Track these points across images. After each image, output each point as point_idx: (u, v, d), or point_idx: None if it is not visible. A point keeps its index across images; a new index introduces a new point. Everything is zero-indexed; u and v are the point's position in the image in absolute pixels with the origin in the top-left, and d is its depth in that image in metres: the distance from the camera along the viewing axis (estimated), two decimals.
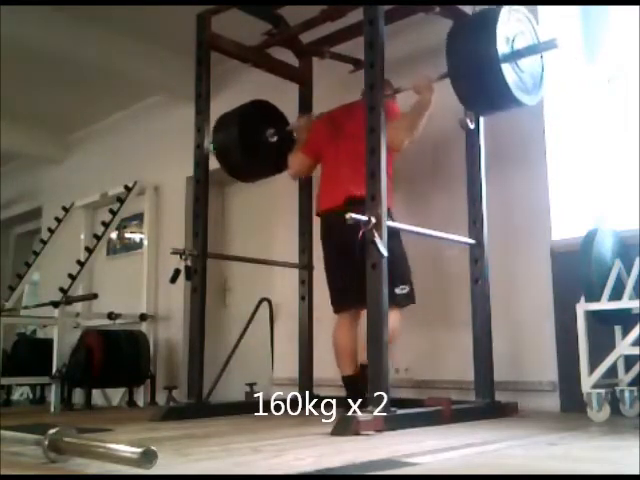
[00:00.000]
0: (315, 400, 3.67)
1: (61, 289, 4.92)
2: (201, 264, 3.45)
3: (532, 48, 2.87)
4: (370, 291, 2.66)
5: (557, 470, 1.62)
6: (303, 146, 3.59)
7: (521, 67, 2.84)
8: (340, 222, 3.08)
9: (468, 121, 3.18)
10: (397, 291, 3.07)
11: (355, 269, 3.17)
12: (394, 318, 2.95)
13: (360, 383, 2.97)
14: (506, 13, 2.81)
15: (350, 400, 3.18)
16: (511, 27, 2.82)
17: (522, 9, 2.93)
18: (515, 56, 2.79)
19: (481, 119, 3.24)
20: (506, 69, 2.74)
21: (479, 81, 2.79)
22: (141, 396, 5.22)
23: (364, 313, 2.92)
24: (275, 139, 3.84)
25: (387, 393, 2.57)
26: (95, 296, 5.07)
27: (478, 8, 3.08)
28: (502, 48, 2.73)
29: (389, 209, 3.09)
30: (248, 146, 3.75)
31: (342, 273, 3.32)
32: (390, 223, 2.73)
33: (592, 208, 3.47)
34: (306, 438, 2.37)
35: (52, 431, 1.74)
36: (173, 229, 5.49)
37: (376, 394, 2.54)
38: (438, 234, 3.04)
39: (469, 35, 2.84)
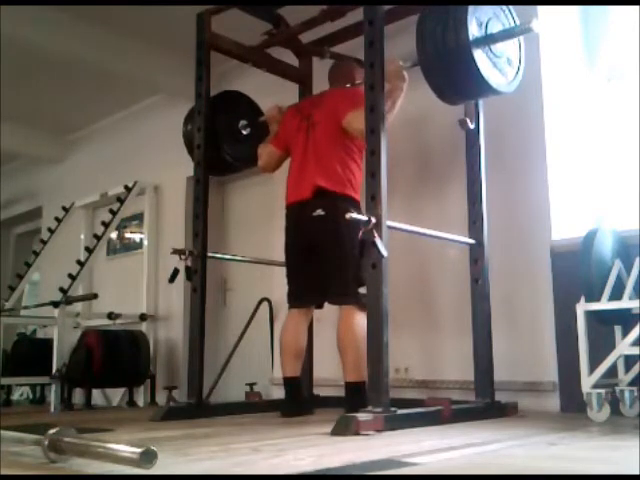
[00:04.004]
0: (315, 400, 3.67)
1: (61, 289, 4.92)
2: (201, 264, 3.46)
3: (507, 32, 2.77)
4: (370, 291, 2.66)
5: (557, 470, 1.62)
6: (272, 138, 3.54)
7: (495, 52, 2.73)
8: (307, 214, 3.12)
9: (468, 121, 3.18)
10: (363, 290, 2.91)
11: (317, 266, 3.21)
12: (363, 321, 2.79)
13: (349, 400, 2.97)
14: None
15: (287, 404, 3.25)
16: (484, 10, 2.72)
17: None
18: (488, 40, 2.69)
19: (481, 119, 3.24)
20: (478, 55, 2.63)
21: (450, 68, 2.70)
22: (141, 396, 5.22)
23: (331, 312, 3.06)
24: (248, 131, 3.77)
25: (387, 393, 2.57)
26: (95, 296, 5.07)
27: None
28: (474, 32, 2.62)
29: (358, 202, 3.13)
30: (219, 139, 3.67)
31: (304, 270, 3.28)
32: (390, 223, 2.72)
33: (592, 208, 3.47)
34: (306, 438, 2.37)
35: (52, 431, 1.74)
36: (173, 229, 5.49)
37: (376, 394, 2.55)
38: (438, 234, 3.04)
39: (438, 19, 2.70)
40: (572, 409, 3.05)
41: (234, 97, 3.91)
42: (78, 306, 5.73)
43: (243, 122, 3.79)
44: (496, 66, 2.75)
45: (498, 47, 2.75)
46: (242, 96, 3.94)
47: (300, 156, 3.31)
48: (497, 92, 2.78)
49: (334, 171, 3.15)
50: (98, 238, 5.44)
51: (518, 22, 2.84)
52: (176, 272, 3.53)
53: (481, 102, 3.23)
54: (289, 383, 3.28)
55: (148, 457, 1.47)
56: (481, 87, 2.75)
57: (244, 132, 3.79)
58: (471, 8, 2.65)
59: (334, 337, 3.34)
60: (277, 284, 4.57)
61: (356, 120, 2.94)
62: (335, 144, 3.17)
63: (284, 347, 3.31)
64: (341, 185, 3.13)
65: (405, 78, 3.03)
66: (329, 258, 3.16)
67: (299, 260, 3.31)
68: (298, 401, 3.29)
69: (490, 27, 2.72)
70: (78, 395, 5.28)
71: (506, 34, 2.78)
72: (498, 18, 2.79)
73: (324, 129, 3.23)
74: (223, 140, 3.70)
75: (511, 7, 2.86)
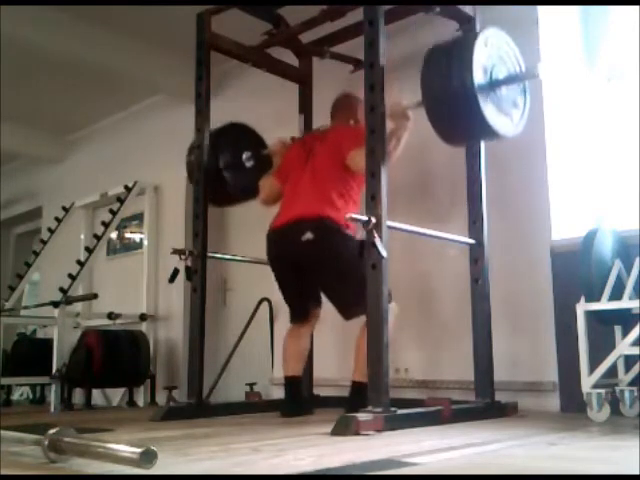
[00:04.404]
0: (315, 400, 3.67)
1: (61, 289, 4.92)
2: (201, 264, 3.46)
3: (512, 77, 2.80)
4: (370, 291, 2.66)
5: (557, 470, 1.62)
6: (274, 171, 3.52)
7: (500, 96, 2.74)
8: (295, 239, 3.07)
9: None
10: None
11: (312, 283, 3.23)
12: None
13: (351, 399, 2.97)
14: (483, 40, 2.72)
15: (287, 404, 3.26)
16: (489, 54, 2.73)
17: (503, 34, 2.85)
18: (493, 85, 2.71)
19: None
20: (483, 100, 2.64)
21: (454, 113, 2.71)
22: (141, 396, 5.22)
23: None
24: (251, 163, 3.76)
25: (387, 393, 2.57)
26: (95, 296, 5.07)
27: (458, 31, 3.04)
28: (479, 78, 2.63)
29: (351, 230, 3.06)
30: (222, 170, 3.66)
31: (298, 290, 3.30)
32: (390, 223, 2.72)
33: (592, 208, 3.47)
34: (306, 438, 2.37)
35: (52, 431, 1.74)
36: (173, 229, 5.49)
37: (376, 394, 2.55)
38: (438, 234, 3.04)
39: (444, 63, 2.72)
40: (572, 409, 3.05)
41: (239, 129, 3.91)
42: (78, 306, 5.73)
43: (247, 154, 3.76)
44: (501, 110, 2.75)
45: (503, 91, 2.76)
46: (247, 128, 3.94)
47: (296, 182, 3.28)
48: (501, 136, 2.79)
49: (329, 199, 3.09)
50: (98, 238, 5.44)
51: (523, 65, 2.86)
52: (176, 272, 3.53)
53: None
54: (290, 382, 3.28)
55: (148, 457, 1.47)
56: (486, 132, 2.78)
57: (247, 164, 3.76)
58: (476, 53, 2.65)
59: (334, 337, 3.35)
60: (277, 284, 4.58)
61: (360, 158, 2.87)
62: (334, 176, 3.14)
63: (286, 348, 3.34)
64: (335, 212, 3.06)
65: (410, 117, 3.01)
66: (328, 278, 3.16)
67: (292, 282, 3.30)
68: (298, 401, 3.29)
69: (495, 72, 2.73)
70: (78, 395, 5.28)
71: (511, 79, 2.79)
72: (503, 62, 2.80)
73: (325, 160, 3.21)
74: (226, 171, 3.68)
75: (517, 50, 2.87)
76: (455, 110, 2.70)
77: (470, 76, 2.60)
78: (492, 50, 2.76)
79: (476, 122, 2.70)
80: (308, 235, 3.04)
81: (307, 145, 3.42)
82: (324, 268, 3.12)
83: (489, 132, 2.75)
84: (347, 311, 3.11)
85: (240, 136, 3.85)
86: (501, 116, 2.75)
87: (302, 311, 3.33)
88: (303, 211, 3.11)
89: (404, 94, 3.02)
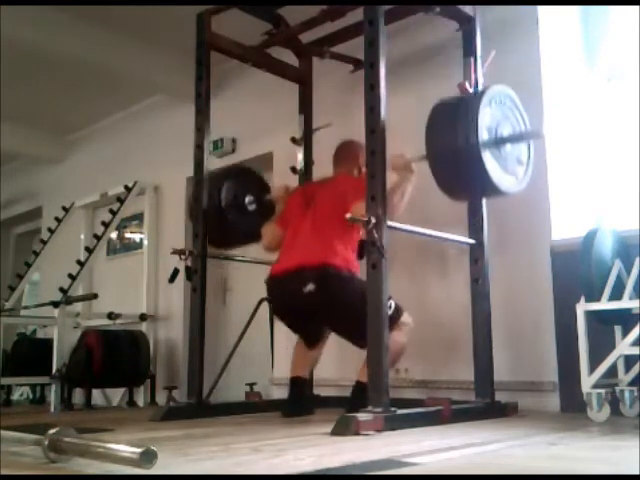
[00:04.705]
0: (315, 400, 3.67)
1: (61, 289, 4.92)
2: (201, 264, 3.46)
3: (516, 136, 2.83)
4: (370, 292, 2.66)
5: (557, 470, 1.62)
6: (277, 217, 3.50)
7: (505, 154, 2.76)
8: (296, 290, 3.04)
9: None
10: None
11: (313, 324, 3.26)
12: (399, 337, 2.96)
13: (353, 399, 2.97)
14: (488, 100, 2.73)
15: (289, 404, 3.29)
16: (493, 114, 2.75)
17: (508, 90, 2.87)
18: (497, 143, 2.73)
19: None
20: (487, 159, 2.66)
21: (458, 170, 2.72)
22: (141, 396, 5.22)
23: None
24: (254, 207, 3.75)
25: (387, 393, 2.57)
26: (95, 296, 5.07)
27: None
28: (483, 137, 2.65)
29: (353, 270, 3.07)
30: (224, 213, 3.65)
31: (302, 329, 3.34)
32: (390, 223, 2.72)
33: (592, 208, 3.47)
34: (306, 438, 2.37)
35: (52, 431, 1.74)
36: (173, 229, 5.49)
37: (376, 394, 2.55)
38: (438, 234, 3.04)
39: (449, 121, 2.74)
40: (572, 409, 3.05)
41: (243, 172, 3.91)
42: (78, 306, 5.73)
43: (250, 198, 3.75)
44: (505, 168, 2.77)
45: (507, 149, 2.78)
46: (251, 171, 3.94)
47: (297, 230, 3.27)
48: (505, 193, 2.81)
49: (330, 246, 3.08)
50: (98, 238, 5.44)
51: (527, 121, 2.89)
52: (176, 272, 3.53)
53: None
54: (294, 383, 3.30)
55: (148, 457, 1.47)
56: (490, 190, 2.80)
57: (250, 208, 3.75)
58: (482, 111, 2.67)
59: (335, 338, 3.34)
60: None
61: (363, 210, 2.84)
62: (336, 224, 3.11)
63: (297, 351, 3.39)
64: (336, 258, 3.05)
65: (414, 170, 3.01)
66: (334, 322, 3.19)
67: (297, 326, 3.34)
68: (301, 402, 3.29)
69: (500, 130, 2.75)
70: (78, 395, 5.28)
71: (516, 138, 2.82)
72: (507, 119, 2.81)
73: (327, 209, 3.20)
74: (228, 214, 3.67)
75: (522, 107, 2.89)
76: (459, 168, 2.72)
77: (475, 136, 2.63)
78: (496, 109, 2.78)
79: (480, 180, 2.73)
80: (310, 287, 3.01)
81: (310, 193, 3.41)
82: (329, 315, 3.14)
83: (493, 190, 2.78)
84: (358, 343, 3.07)
85: (244, 179, 3.84)
86: (505, 174, 2.77)
87: (310, 340, 3.38)
88: (304, 259, 3.09)
89: (408, 148, 3.03)
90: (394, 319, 2.89)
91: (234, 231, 3.71)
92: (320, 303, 3.03)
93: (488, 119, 2.73)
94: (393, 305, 2.83)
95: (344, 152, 3.48)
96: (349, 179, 3.30)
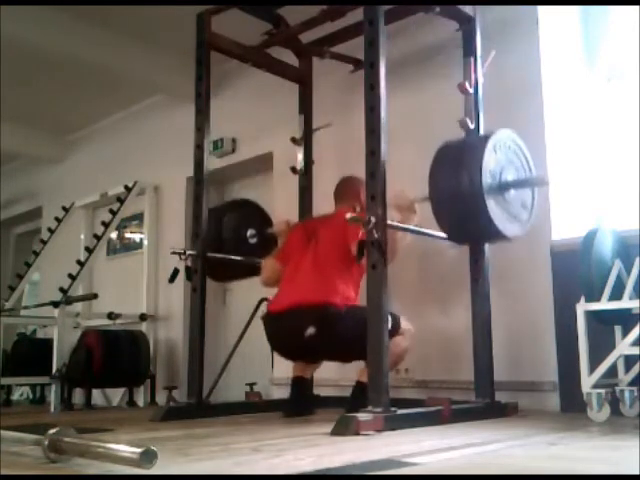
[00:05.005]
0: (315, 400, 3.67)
1: (61, 289, 4.92)
2: (201, 264, 3.46)
3: (521, 182, 2.83)
4: (370, 292, 2.66)
5: (557, 470, 1.62)
6: (277, 252, 3.50)
7: (509, 199, 2.76)
8: (297, 332, 3.03)
9: (468, 121, 3.18)
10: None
11: (311, 356, 3.29)
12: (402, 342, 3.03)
13: (353, 399, 2.99)
14: (493, 145, 2.73)
15: (290, 404, 3.31)
16: (498, 159, 2.75)
17: (511, 134, 2.87)
18: (502, 189, 2.73)
19: (481, 119, 3.24)
20: (491, 204, 2.66)
21: (461, 214, 2.73)
22: (141, 396, 5.22)
23: None
24: (255, 241, 3.75)
25: (387, 393, 2.57)
26: (95, 296, 5.07)
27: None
28: (487, 183, 2.65)
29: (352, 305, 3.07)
30: (225, 245, 3.66)
31: (299, 360, 3.36)
32: (390, 222, 2.73)
33: (592, 208, 3.47)
34: (306, 438, 2.37)
35: (52, 431, 1.74)
36: (173, 229, 5.49)
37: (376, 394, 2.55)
38: (438, 234, 3.04)
39: (453, 166, 2.74)
40: (572, 409, 3.04)
41: (245, 205, 3.93)
42: (78, 306, 5.73)
43: (251, 231, 3.76)
44: (508, 213, 2.77)
45: (511, 194, 2.78)
46: (253, 205, 3.96)
47: (296, 266, 3.26)
48: (508, 239, 2.81)
49: (330, 284, 3.07)
50: (98, 238, 5.44)
51: (532, 167, 2.89)
52: (176, 272, 3.53)
53: (481, 102, 3.23)
54: (296, 383, 3.30)
55: (148, 457, 1.47)
56: (493, 234, 2.80)
57: (251, 241, 3.76)
58: (486, 157, 2.67)
59: None
60: None
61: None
62: (336, 262, 3.12)
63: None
64: (336, 296, 3.04)
65: (416, 211, 3.03)
66: (333, 357, 3.25)
67: (294, 359, 3.36)
68: (302, 402, 3.30)
69: (504, 175, 2.75)
70: (78, 395, 5.28)
71: (520, 184, 2.82)
72: (512, 164, 2.82)
73: (327, 246, 3.20)
74: (229, 247, 3.67)
75: (527, 152, 2.90)
76: (462, 212, 2.72)
77: (478, 181, 2.63)
78: (501, 154, 2.78)
79: (483, 226, 2.73)
80: (311, 330, 2.99)
81: (310, 229, 3.41)
82: (330, 352, 3.16)
83: (496, 235, 2.78)
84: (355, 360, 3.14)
85: (247, 212, 3.86)
86: (509, 219, 2.77)
87: (309, 363, 3.42)
88: (303, 297, 3.06)
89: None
90: (394, 330, 2.92)
91: (234, 265, 3.71)
92: (321, 344, 3.04)
93: (493, 163, 2.72)
94: (390, 320, 2.80)
95: (345, 188, 3.46)
96: None
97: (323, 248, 3.22)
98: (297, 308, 3.05)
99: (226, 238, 3.69)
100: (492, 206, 2.68)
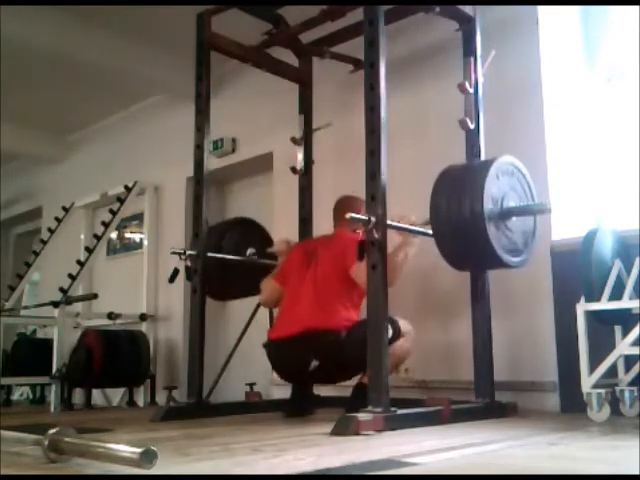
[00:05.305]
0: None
1: (61, 289, 4.92)
2: (201, 264, 3.45)
3: (522, 209, 2.83)
4: (370, 292, 2.66)
5: (557, 470, 1.62)
6: (276, 273, 3.48)
7: (510, 226, 2.76)
8: (300, 364, 3.06)
9: (468, 121, 3.18)
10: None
11: (316, 379, 3.30)
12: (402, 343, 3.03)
13: (354, 399, 2.98)
14: (495, 172, 2.73)
15: (291, 404, 3.33)
16: (500, 186, 2.75)
17: (513, 161, 2.86)
18: (503, 216, 2.73)
19: (481, 119, 3.23)
20: (492, 231, 2.66)
21: (462, 241, 2.72)
22: (141, 396, 5.22)
23: None
24: (255, 259, 3.76)
25: (387, 393, 2.57)
26: (95, 296, 5.07)
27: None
28: (488, 209, 2.65)
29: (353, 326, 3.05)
30: (225, 265, 3.66)
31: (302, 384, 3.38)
32: (390, 222, 2.73)
33: (592, 208, 3.47)
34: (306, 438, 2.37)
35: (52, 431, 1.74)
36: (173, 229, 5.49)
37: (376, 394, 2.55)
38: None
39: (453, 194, 2.74)
40: (572, 409, 3.04)
41: (246, 224, 3.94)
42: (78, 306, 5.72)
43: (251, 250, 3.77)
44: (510, 241, 2.77)
45: (513, 222, 2.78)
46: (255, 224, 3.97)
47: (296, 288, 3.25)
48: (509, 266, 2.82)
49: (332, 308, 3.07)
50: (98, 238, 5.44)
51: (535, 194, 2.89)
52: (176, 272, 3.53)
53: (481, 101, 3.23)
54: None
55: (148, 457, 1.47)
56: (494, 262, 2.80)
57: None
58: (488, 184, 2.67)
59: None
60: None
61: (363, 272, 2.80)
62: (336, 285, 3.11)
63: None
64: (337, 320, 3.04)
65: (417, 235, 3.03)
66: (340, 377, 3.24)
67: (304, 384, 3.39)
68: (302, 401, 3.30)
69: (506, 202, 2.75)
70: (78, 395, 5.27)
71: (521, 211, 2.82)
72: (514, 191, 2.82)
73: (327, 268, 3.18)
74: (229, 266, 3.67)
75: (528, 177, 2.89)
76: (463, 239, 2.72)
77: (480, 208, 2.63)
78: (503, 181, 2.78)
79: (484, 254, 2.74)
80: (314, 363, 3.01)
81: (310, 249, 3.39)
82: (333, 376, 3.19)
83: (497, 262, 2.78)
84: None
85: (247, 231, 3.86)
86: (510, 246, 2.77)
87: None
88: (304, 325, 3.04)
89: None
90: (395, 336, 2.93)
91: (234, 284, 3.71)
92: (324, 372, 3.06)
93: (494, 190, 2.72)
94: (390, 328, 2.81)
95: (343, 208, 3.39)
96: (349, 238, 3.22)
97: (323, 271, 3.20)
98: (298, 336, 3.05)
99: (226, 257, 3.69)
100: (493, 232, 2.67)
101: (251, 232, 3.89)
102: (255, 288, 3.56)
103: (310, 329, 3.02)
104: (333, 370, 3.07)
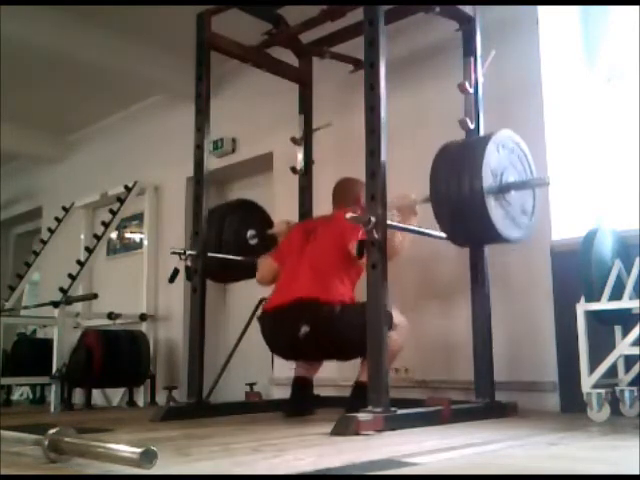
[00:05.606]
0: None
1: (61, 289, 4.92)
2: (201, 264, 3.46)
3: (522, 184, 2.84)
4: (370, 291, 2.66)
5: (557, 470, 1.62)
6: (274, 251, 3.49)
7: (509, 200, 2.77)
8: (292, 332, 3.02)
9: (468, 121, 3.18)
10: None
11: (309, 356, 3.26)
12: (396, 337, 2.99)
13: (353, 399, 2.98)
14: (495, 145, 2.74)
15: (291, 404, 3.31)
16: (499, 159, 2.75)
17: (513, 136, 2.87)
18: (502, 190, 2.74)
19: (481, 119, 3.24)
20: (491, 204, 2.66)
21: (462, 215, 2.73)
22: (141, 396, 5.22)
23: None
24: (255, 241, 3.75)
25: (387, 393, 2.57)
26: (95, 296, 5.07)
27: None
28: (488, 182, 2.66)
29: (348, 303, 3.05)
30: (225, 246, 3.66)
31: (297, 360, 3.35)
32: (390, 222, 2.73)
33: (592, 208, 3.47)
34: (306, 438, 2.37)
35: (52, 431, 1.74)
36: (173, 229, 5.49)
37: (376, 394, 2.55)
38: (438, 234, 3.04)
39: (453, 167, 2.75)
40: (572, 409, 3.04)
41: (246, 206, 3.92)
42: (78, 306, 5.73)
43: (252, 232, 3.76)
44: (509, 215, 2.77)
45: (512, 196, 2.78)
46: (255, 205, 3.95)
47: (293, 265, 3.25)
48: (508, 240, 2.82)
49: (328, 281, 3.07)
50: (98, 238, 5.44)
51: (534, 170, 2.90)
52: (176, 272, 3.53)
53: (481, 101, 3.24)
54: (298, 383, 3.31)
55: (148, 457, 1.47)
56: (493, 236, 2.80)
57: (251, 242, 3.75)
58: (487, 157, 2.67)
59: None
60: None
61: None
62: (334, 260, 3.11)
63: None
64: (332, 291, 3.04)
65: (417, 213, 3.05)
66: (330, 355, 3.22)
67: (292, 358, 3.35)
68: (302, 401, 3.29)
69: (505, 176, 2.76)
70: (78, 395, 5.28)
71: (521, 185, 2.82)
72: (514, 166, 2.82)
73: (326, 245, 3.19)
74: (229, 248, 3.67)
75: (528, 153, 2.90)
76: (462, 213, 2.73)
77: (479, 181, 2.63)
78: (503, 154, 2.78)
79: (484, 227, 2.73)
80: (305, 329, 2.98)
81: (309, 229, 3.40)
82: (326, 350, 3.13)
83: (497, 237, 2.78)
84: (351, 358, 3.19)
85: (247, 213, 3.85)
86: (508, 221, 2.77)
87: (307, 363, 3.38)
88: (299, 293, 3.06)
89: (411, 189, 3.04)
90: (388, 328, 2.88)
91: (234, 266, 3.70)
92: (316, 343, 3.03)
93: (493, 163, 2.72)
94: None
95: (344, 191, 3.45)
96: None
97: (321, 247, 3.22)
98: (292, 305, 3.06)
99: (226, 239, 3.69)
100: (492, 206, 2.68)
101: (251, 214, 3.89)
102: (255, 269, 3.56)
103: (304, 298, 3.03)
104: (325, 343, 3.02)
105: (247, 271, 3.71)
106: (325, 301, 3.00)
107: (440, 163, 2.81)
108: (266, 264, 3.46)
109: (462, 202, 2.70)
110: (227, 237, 3.69)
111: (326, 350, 3.13)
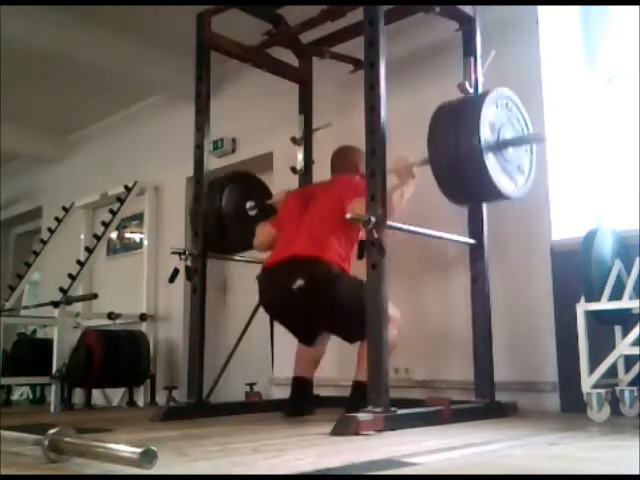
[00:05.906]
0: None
1: (61, 289, 4.92)
2: (201, 264, 3.46)
3: (519, 139, 2.84)
4: (369, 291, 2.66)
5: (557, 470, 1.62)
6: (273, 218, 3.49)
7: (507, 157, 2.77)
8: (285, 286, 3.00)
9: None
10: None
11: (305, 323, 3.21)
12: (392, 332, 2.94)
13: (353, 399, 2.97)
14: (493, 100, 2.75)
15: (291, 404, 3.29)
16: (497, 115, 2.76)
17: (511, 95, 2.88)
18: (500, 146, 2.75)
19: None
20: (489, 160, 2.67)
21: (461, 172, 2.73)
22: (141, 396, 5.22)
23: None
24: (255, 213, 3.73)
25: (387, 393, 2.57)
26: (95, 296, 5.07)
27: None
28: (486, 138, 2.66)
29: (344, 269, 3.04)
30: (224, 218, 3.64)
31: (294, 329, 3.29)
32: (390, 222, 2.72)
33: (592, 208, 3.47)
34: (306, 438, 2.37)
35: (52, 431, 1.74)
36: (173, 229, 5.49)
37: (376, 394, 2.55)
38: (438, 234, 3.04)
39: (451, 122, 2.76)
40: (572, 409, 3.04)
41: (245, 177, 3.91)
42: (78, 306, 5.73)
43: (251, 203, 3.73)
44: (506, 172, 2.78)
45: (509, 153, 2.79)
46: (253, 177, 3.94)
47: (291, 228, 3.24)
48: (506, 198, 2.83)
49: (324, 241, 3.06)
50: (98, 238, 5.44)
51: (531, 129, 2.91)
52: (176, 272, 3.53)
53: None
54: (297, 383, 3.31)
55: (148, 457, 1.47)
56: (491, 192, 2.81)
57: (251, 213, 3.73)
58: (484, 113, 2.68)
59: (334, 338, 3.34)
60: None
61: (359, 207, 2.81)
62: (332, 223, 3.10)
63: (297, 350, 3.38)
64: (328, 252, 3.03)
65: (414, 175, 3.05)
66: (326, 320, 3.15)
67: (288, 325, 3.29)
68: (302, 401, 3.29)
69: (503, 133, 2.77)
70: (78, 395, 5.28)
71: (518, 141, 2.83)
72: (511, 124, 2.83)
73: (324, 207, 3.19)
74: (228, 220, 3.66)
75: (525, 114, 2.92)
76: (461, 169, 2.73)
77: (477, 134, 2.64)
78: (501, 111, 2.80)
79: (481, 182, 2.74)
80: (299, 282, 2.96)
81: (308, 194, 3.40)
82: (319, 312, 3.08)
83: (494, 192, 2.79)
84: (350, 339, 3.16)
85: (245, 184, 3.84)
86: (506, 177, 2.78)
87: (306, 339, 3.34)
88: (296, 250, 3.06)
89: (407, 149, 3.05)
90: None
91: (234, 236, 3.69)
92: (310, 303, 3.00)
93: (491, 118, 2.73)
94: None
95: (342, 159, 3.45)
96: (347, 180, 3.29)
97: (319, 211, 3.21)
98: (288, 260, 3.06)
99: (226, 210, 3.67)
100: (490, 161, 2.68)
101: (251, 185, 3.87)
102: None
103: (300, 255, 3.04)
104: (319, 301, 2.97)
105: (247, 242, 3.67)
106: (322, 259, 3.00)
107: (438, 118, 2.81)
108: (264, 229, 3.45)
109: (460, 156, 2.70)
110: (227, 208, 3.67)
111: (319, 311, 3.04)
